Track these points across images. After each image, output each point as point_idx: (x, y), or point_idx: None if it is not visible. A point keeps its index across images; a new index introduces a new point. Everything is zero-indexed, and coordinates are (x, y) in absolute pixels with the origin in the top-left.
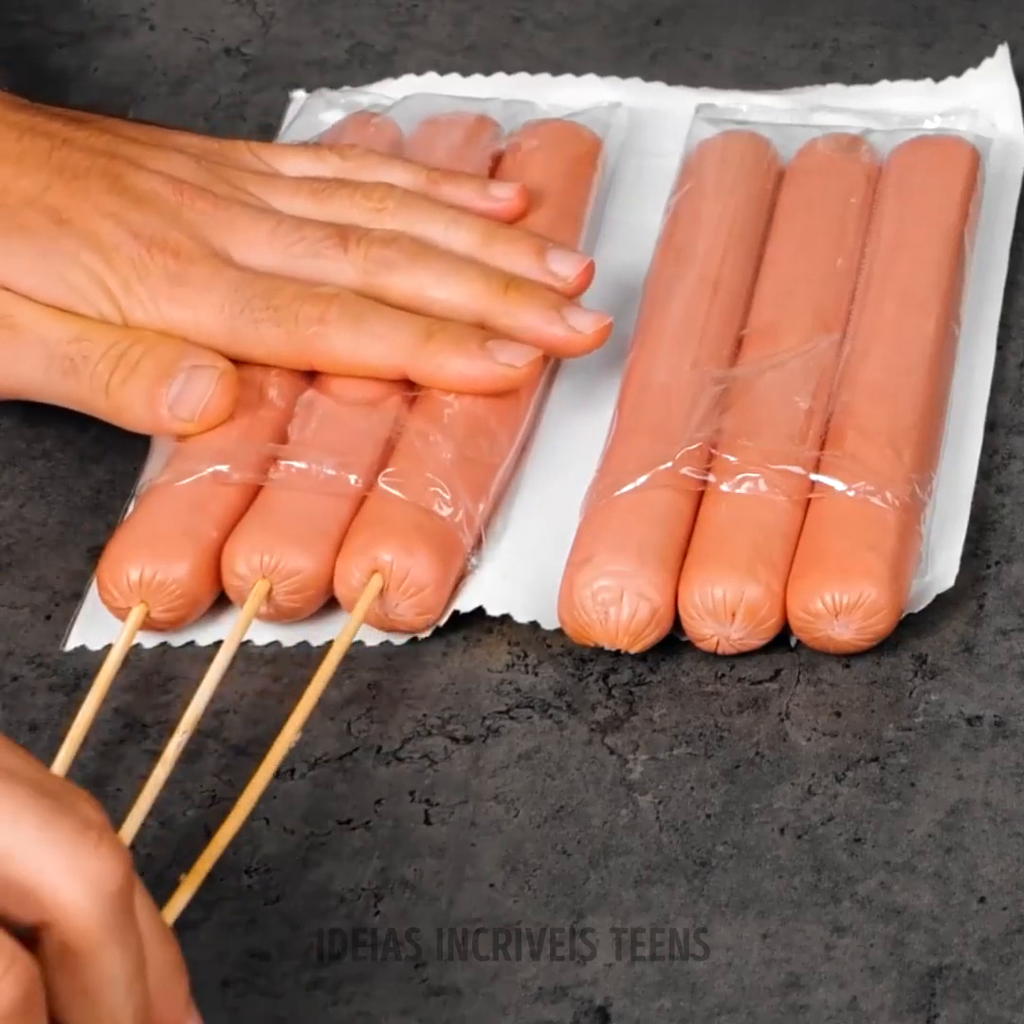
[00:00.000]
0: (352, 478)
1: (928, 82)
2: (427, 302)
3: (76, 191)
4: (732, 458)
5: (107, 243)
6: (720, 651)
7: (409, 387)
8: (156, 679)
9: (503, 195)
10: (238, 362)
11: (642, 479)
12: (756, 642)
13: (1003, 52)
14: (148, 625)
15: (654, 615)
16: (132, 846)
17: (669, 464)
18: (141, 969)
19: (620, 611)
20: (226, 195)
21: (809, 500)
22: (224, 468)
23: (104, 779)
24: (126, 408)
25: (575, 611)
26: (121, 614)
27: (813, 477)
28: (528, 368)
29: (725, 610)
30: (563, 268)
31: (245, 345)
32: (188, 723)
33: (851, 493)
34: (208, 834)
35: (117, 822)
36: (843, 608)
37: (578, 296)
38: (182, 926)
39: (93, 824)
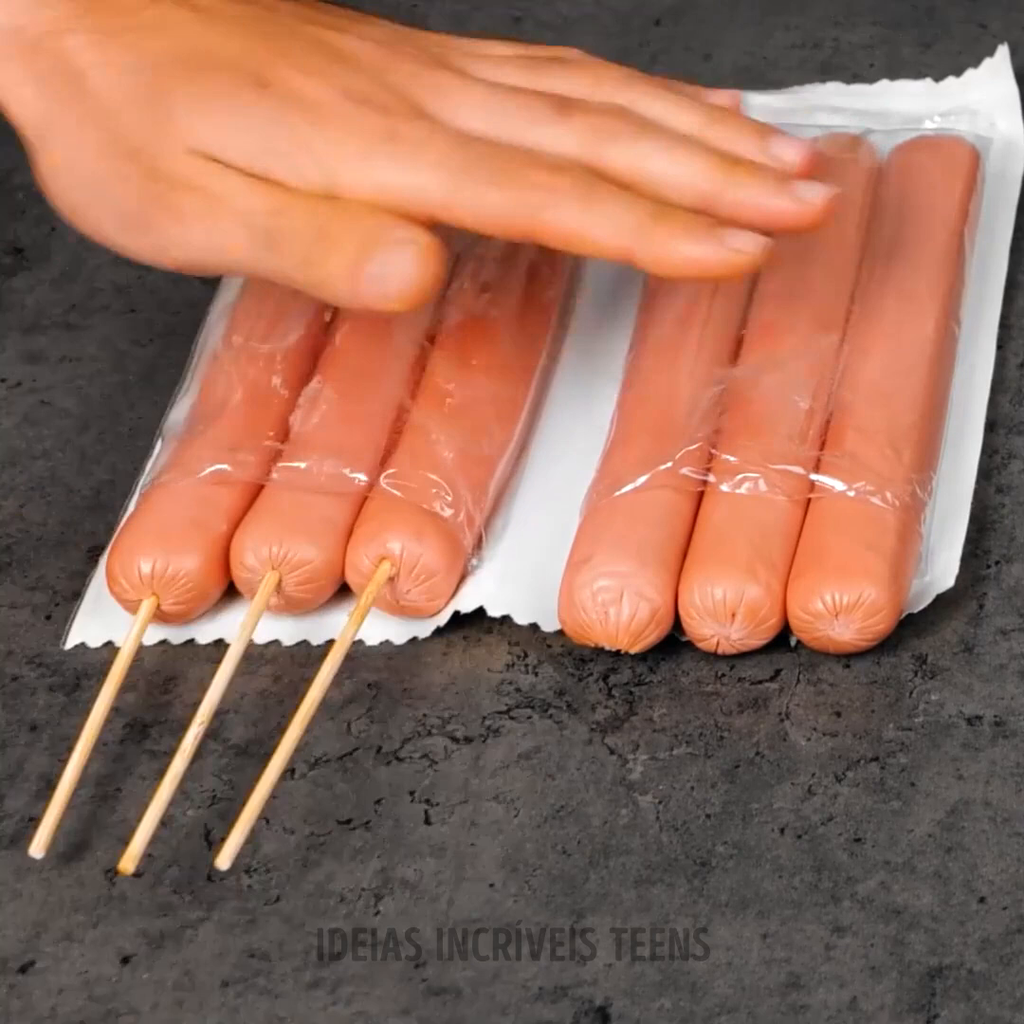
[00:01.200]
0: (353, 479)
1: (928, 82)
2: (647, 176)
3: (279, 53)
4: (732, 458)
5: (313, 101)
6: (720, 651)
7: (412, 379)
8: (156, 679)
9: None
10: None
11: (642, 479)
12: (756, 642)
13: (1003, 52)
14: (157, 617)
15: (654, 615)
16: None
17: (669, 464)
18: None
19: (620, 611)
20: (433, 61)
21: (809, 500)
22: (226, 467)
23: (105, 779)
24: (327, 284)
25: (575, 611)
26: (131, 607)
27: (813, 477)
28: (758, 254)
29: (725, 610)
30: (786, 153)
31: (463, 208)
32: (205, 714)
33: (851, 493)
34: (208, 835)
35: (126, 820)
36: (843, 608)
37: None
38: (183, 926)
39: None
